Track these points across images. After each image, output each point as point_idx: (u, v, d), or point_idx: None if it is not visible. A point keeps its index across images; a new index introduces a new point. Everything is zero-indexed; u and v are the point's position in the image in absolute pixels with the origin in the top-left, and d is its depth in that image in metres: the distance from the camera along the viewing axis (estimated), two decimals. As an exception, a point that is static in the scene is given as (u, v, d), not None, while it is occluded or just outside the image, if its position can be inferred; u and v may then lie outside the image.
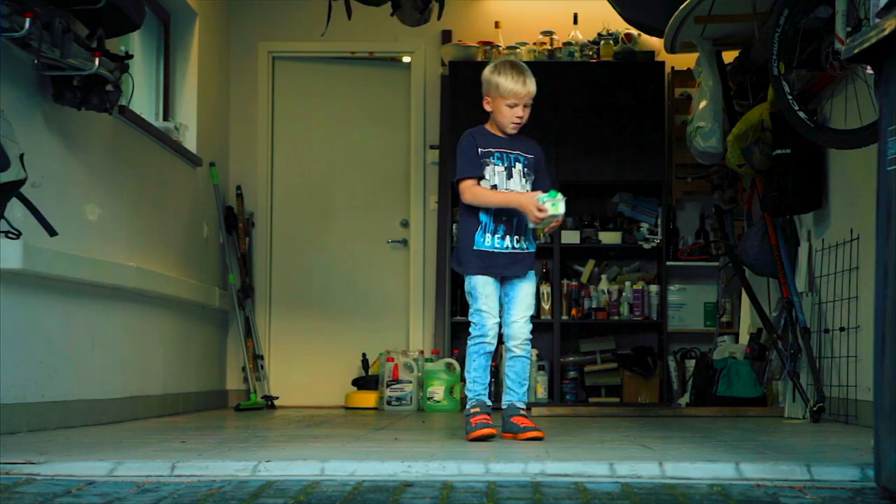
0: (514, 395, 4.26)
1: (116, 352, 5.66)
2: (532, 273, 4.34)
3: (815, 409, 5.42)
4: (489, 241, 4.25)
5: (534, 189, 4.29)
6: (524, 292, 4.30)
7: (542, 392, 7.60)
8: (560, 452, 3.50)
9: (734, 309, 7.62)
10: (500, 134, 4.33)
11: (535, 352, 7.67)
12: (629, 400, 7.55)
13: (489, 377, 4.30)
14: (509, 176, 4.27)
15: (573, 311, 7.72)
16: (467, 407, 4.23)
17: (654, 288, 7.71)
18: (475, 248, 4.24)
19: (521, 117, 4.31)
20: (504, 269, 4.26)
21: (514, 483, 2.91)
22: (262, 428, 5.16)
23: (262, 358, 7.93)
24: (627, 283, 7.75)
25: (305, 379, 8.02)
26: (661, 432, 4.69)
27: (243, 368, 7.84)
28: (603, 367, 7.69)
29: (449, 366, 7.38)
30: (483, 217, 4.25)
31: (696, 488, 2.84)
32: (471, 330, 4.25)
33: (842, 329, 5.39)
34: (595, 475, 3.01)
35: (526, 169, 4.31)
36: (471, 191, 4.24)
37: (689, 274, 7.87)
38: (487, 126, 4.36)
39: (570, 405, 7.38)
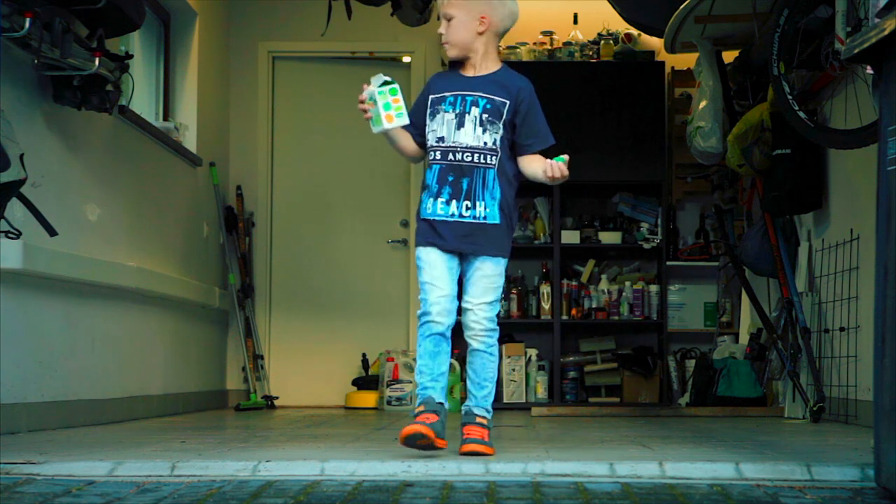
0: (471, 398, 3.53)
1: (116, 352, 5.66)
2: (496, 256, 3.49)
3: (815, 409, 5.42)
4: (431, 206, 3.46)
5: (512, 148, 3.49)
6: (480, 272, 3.46)
7: (542, 392, 7.60)
8: (560, 452, 3.50)
9: (734, 309, 7.62)
10: (468, 73, 3.50)
11: (533, 352, 7.67)
12: (629, 400, 7.55)
13: (442, 367, 3.45)
14: (459, 125, 3.42)
15: (573, 311, 7.72)
16: (414, 404, 3.51)
17: (654, 288, 7.71)
18: (421, 216, 3.50)
19: (441, 35, 3.50)
20: (451, 243, 3.45)
21: (514, 483, 2.91)
22: (262, 428, 5.16)
23: (262, 358, 7.93)
24: (627, 283, 7.75)
25: (305, 379, 8.01)
26: (661, 432, 4.69)
27: (243, 368, 7.84)
28: (603, 367, 7.69)
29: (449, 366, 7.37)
30: (428, 176, 3.50)
31: (696, 488, 2.84)
32: (417, 310, 3.51)
33: (842, 329, 5.39)
34: (595, 475, 3.01)
35: (487, 116, 3.42)
36: None
37: (689, 274, 7.87)
38: (461, 65, 3.54)
39: (570, 405, 7.38)
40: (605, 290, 7.74)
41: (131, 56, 5.42)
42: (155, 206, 6.38)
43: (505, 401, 7.55)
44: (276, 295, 8.13)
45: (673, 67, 7.87)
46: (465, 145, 3.43)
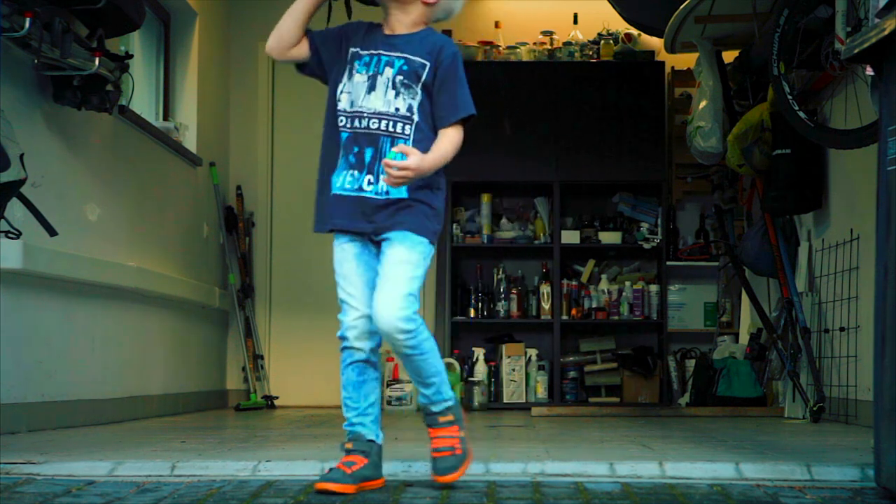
0: (422, 396, 3.00)
1: (116, 352, 5.66)
2: (405, 230, 2.90)
3: (815, 409, 5.42)
4: (339, 179, 2.95)
5: (434, 115, 2.98)
6: (389, 259, 2.89)
7: (542, 392, 7.60)
8: (560, 452, 3.50)
9: (734, 309, 7.62)
10: (391, 31, 3.02)
11: (533, 352, 7.67)
12: (629, 400, 7.55)
13: (370, 397, 2.98)
14: (370, 88, 2.96)
15: (573, 311, 7.72)
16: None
17: (654, 288, 7.72)
18: (331, 193, 2.98)
19: None
20: (347, 219, 2.93)
21: (514, 483, 2.91)
22: (262, 428, 5.16)
23: (262, 358, 7.93)
24: (627, 283, 7.75)
25: (305, 379, 8.01)
26: (661, 432, 4.69)
27: (243, 368, 7.84)
28: (603, 366, 7.69)
29: (449, 366, 7.38)
30: (338, 142, 3.00)
31: (696, 488, 2.84)
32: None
33: (842, 329, 5.39)
34: (595, 475, 3.01)
35: (402, 79, 2.94)
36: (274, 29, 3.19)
37: (689, 274, 7.87)
38: (384, 21, 3.06)
39: (570, 405, 7.38)
40: (605, 290, 7.74)
41: (131, 56, 5.42)
42: (155, 206, 6.38)
43: (505, 401, 7.55)
44: (276, 295, 8.13)
45: (673, 67, 7.87)
46: (372, 111, 2.93)
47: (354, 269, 2.95)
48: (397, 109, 2.94)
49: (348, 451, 2.91)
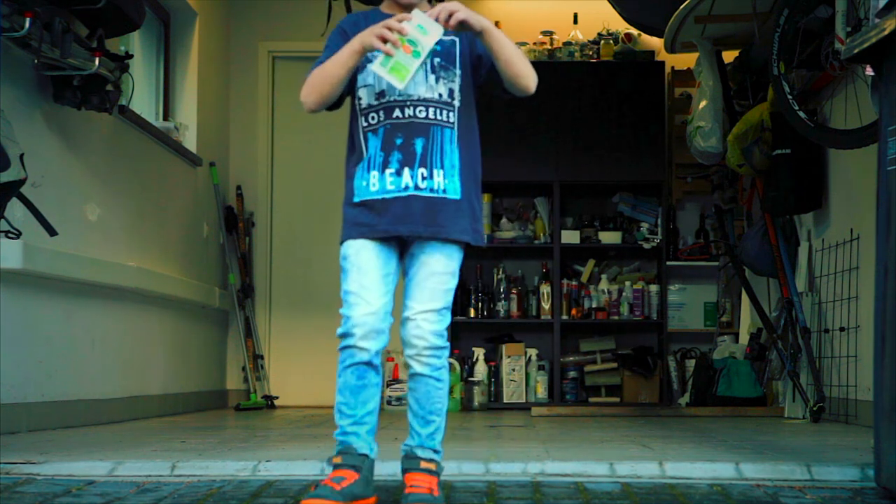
0: (413, 437, 2.74)
1: (116, 352, 5.66)
2: (453, 243, 2.68)
3: (815, 409, 5.42)
4: (376, 182, 2.66)
5: (478, 95, 2.81)
6: (428, 268, 2.66)
7: (542, 392, 7.60)
8: (560, 452, 3.50)
9: (734, 309, 7.62)
10: (397, 11, 2.74)
11: (533, 352, 7.67)
12: (629, 400, 7.55)
13: (368, 405, 2.72)
14: None
15: (573, 311, 7.72)
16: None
17: (654, 288, 7.71)
18: (355, 199, 2.71)
19: None
20: (398, 224, 2.65)
21: (514, 483, 2.91)
22: (262, 428, 5.16)
23: (262, 358, 7.93)
24: (627, 283, 7.75)
25: (305, 379, 8.01)
26: (661, 432, 4.69)
27: (243, 368, 7.84)
28: (603, 366, 7.68)
29: (449, 366, 7.37)
30: (369, 144, 2.70)
31: (696, 488, 2.84)
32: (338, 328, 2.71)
33: (842, 329, 5.39)
34: (595, 475, 3.01)
35: (439, 61, 2.71)
36: (308, 83, 2.71)
37: (689, 274, 7.87)
38: (384, 7, 2.82)
39: (570, 405, 7.38)
40: (605, 290, 7.74)
41: (131, 56, 5.42)
42: (155, 206, 6.38)
43: (505, 401, 7.55)
44: (276, 295, 8.13)
45: (673, 67, 7.87)
46: (417, 97, 2.66)
47: (373, 260, 2.67)
48: (441, 95, 2.69)
49: (336, 466, 2.63)
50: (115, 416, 5.54)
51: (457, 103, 2.71)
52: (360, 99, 2.71)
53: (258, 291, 8.09)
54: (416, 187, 2.63)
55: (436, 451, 2.72)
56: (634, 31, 7.68)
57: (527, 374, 7.61)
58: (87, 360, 5.28)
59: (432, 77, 2.68)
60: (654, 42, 7.63)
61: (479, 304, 7.73)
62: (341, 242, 2.74)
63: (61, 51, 4.52)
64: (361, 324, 2.65)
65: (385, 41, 2.55)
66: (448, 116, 2.69)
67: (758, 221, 6.40)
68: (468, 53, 2.75)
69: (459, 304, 7.72)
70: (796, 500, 2.73)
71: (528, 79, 2.77)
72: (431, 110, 2.67)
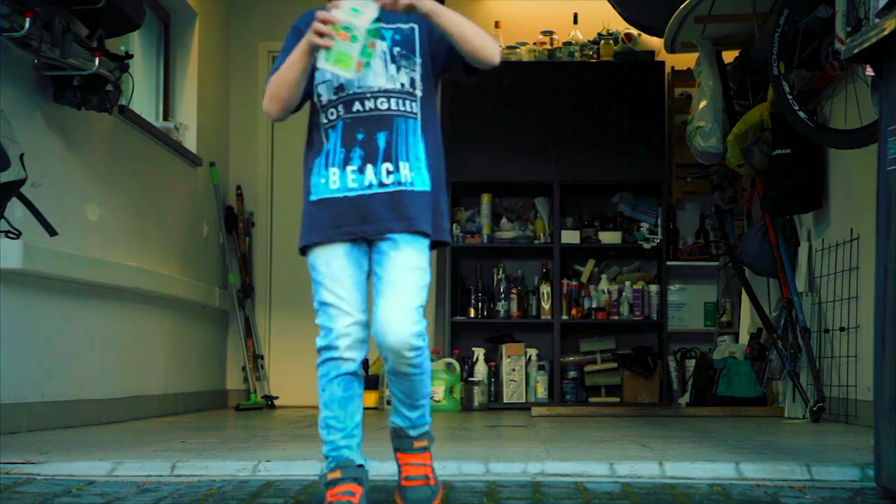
0: (403, 419, 2.66)
1: (116, 352, 5.66)
2: (423, 236, 2.56)
3: (815, 409, 5.42)
4: (336, 180, 2.53)
5: (452, 61, 2.62)
6: (401, 264, 2.52)
7: (542, 392, 7.60)
8: (560, 452, 3.50)
9: (734, 309, 7.62)
10: None
11: (533, 352, 7.67)
12: (629, 400, 7.55)
13: (356, 415, 2.58)
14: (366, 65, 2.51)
15: (573, 311, 7.72)
16: (322, 468, 2.63)
17: (654, 288, 7.72)
18: (312, 198, 2.57)
19: None
20: (364, 224, 2.52)
21: (514, 483, 2.91)
22: (262, 428, 5.16)
23: (262, 358, 7.93)
24: (627, 283, 7.75)
25: (305, 379, 8.00)
26: (661, 432, 4.69)
27: (243, 368, 7.84)
28: (603, 366, 7.68)
29: (449, 366, 7.37)
30: (329, 139, 2.56)
31: (696, 488, 2.84)
32: (316, 340, 2.57)
33: (842, 329, 5.39)
34: (595, 475, 3.01)
35: (399, 50, 2.59)
36: (267, 91, 2.59)
37: (689, 274, 7.87)
38: None
39: (570, 405, 7.38)
40: (605, 290, 7.74)
41: (131, 56, 5.42)
42: (155, 206, 6.38)
43: (505, 401, 7.55)
44: (276, 295, 8.13)
45: (673, 67, 7.87)
46: (377, 89, 2.54)
47: (345, 268, 2.53)
48: (402, 85, 2.56)
49: (338, 481, 2.51)
50: (115, 416, 5.54)
51: (419, 93, 2.58)
52: (319, 96, 2.58)
53: (258, 291, 8.09)
54: (381, 184, 2.51)
55: (426, 424, 2.69)
56: (634, 31, 7.68)
57: (527, 374, 7.61)
58: (87, 360, 5.28)
59: (392, 67, 2.56)
60: (654, 42, 7.63)
61: (479, 304, 7.73)
62: (302, 244, 2.57)
63: (61, 51, 4.52)
64: (345, 335, 2.52)
65: (321, 35, 2.43)
66: (411, 107, 2.57)
67: (758, 221, 6.40)
68: (428, 41, 2.60)
69: (459, 304, 7.72)
70: (796, 500, 2.73)
71: (487, 50, 2.53)
72: (394, 101, 2.55)
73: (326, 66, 2.44)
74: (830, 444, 4.00)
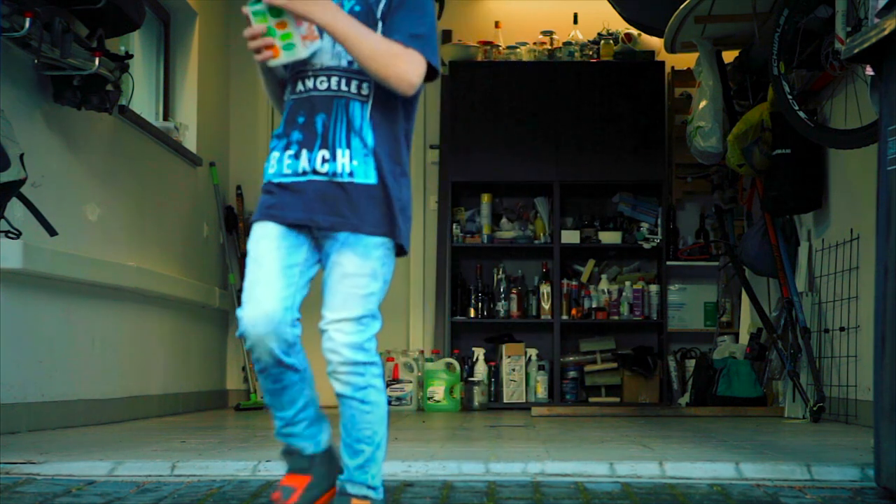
0: (344, 468, 2.37)
1: (116, 352, 5.66)
2: (367, 233, 2.29)
3: (815, 409, 5.42)
4: (275, 164, 2.34)
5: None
6: (341, 269, 2.31)
7: (542, 392, 7.60)
8: (560, 452, 3.50)
9: (734, 309, 7.62)
10: None
11: (534, 352, 7.66)
12: (629, 400, 7.55)
13: (297, 401, 2.41)
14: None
15: (573, 311, 7.72)
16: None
17: (654, 288, 7.72)
18: (264, 179, 2.38)
19: None
20: (297, 210, 2.30)
21: (514, 483, 2.91)
22: (262, 428, 5.16)
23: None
24: (627, 283, 7.75)
25: (305, 379, 8.01)
26: (661, 432, 4.69)
27: (243, 368, 7.84)
28: (603, 366, 7.68)
29: (449, 366, 7.38)
30: (280, 127, 2.38)
31: (696, 488, 2.84)
32: None
33: (842, 329, 5.39)
34: (595, 475, 3.01)
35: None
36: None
37: (689, 274, 7.87)
38: None
39: (570, 405, 7.38)
40: (605, 290, 7.74)
41: (131, 56, 5.42)
42: (155, 207, 6.38)
43: (505, 401, 7.55)
44: (276, 295, 8.12)
45: (673, 67, 7.87)
46: (319, 66, 2.31)
47: (272, 249, 2.31)
48: (350, 63, 2.29)
49: (288, 470, 2.42)
50: (115, 416, 5.54)
51: None
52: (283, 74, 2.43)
53: (258, 291, 8.08)
54: (315, 171, 2.28)
55: (371, 488, 2.32)
56: (634, 31, 7.68)
57: (527, 374, 7.61)
58: (87, 360, 5.28)
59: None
60: (654, 42, 7.62)
61: (479, 304, 7.73)
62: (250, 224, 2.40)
63: (61, 51, 4.52)
64: (252, 326, 2.31)
65: (260, 50, 2.29)
66: (360, 88, 2.30)
67: (758, 221, 6.40)
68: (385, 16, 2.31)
69: (459, 304, 7.73)
70: (796, 500, 2.73)
71: (388, 69, 2.25)
72: (335, 80, 2.30)
73: (284, 61, 2.29)
74: (830, 444, 4.00)
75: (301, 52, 2.27)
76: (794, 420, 5.69)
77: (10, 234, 4.25)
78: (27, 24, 4.22)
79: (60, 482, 2.93)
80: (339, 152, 2.28)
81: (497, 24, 8.04)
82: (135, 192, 6.02)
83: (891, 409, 2.65)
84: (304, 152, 2.30)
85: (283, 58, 2.27)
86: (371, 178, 2.29)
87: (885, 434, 2.69)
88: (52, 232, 4.43)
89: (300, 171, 2.30)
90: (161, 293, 6.26)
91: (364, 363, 2.32)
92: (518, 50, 7.84)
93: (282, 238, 2.33)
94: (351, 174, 2.28)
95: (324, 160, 2.28)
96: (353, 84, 2.31)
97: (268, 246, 2.33)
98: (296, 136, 2.31)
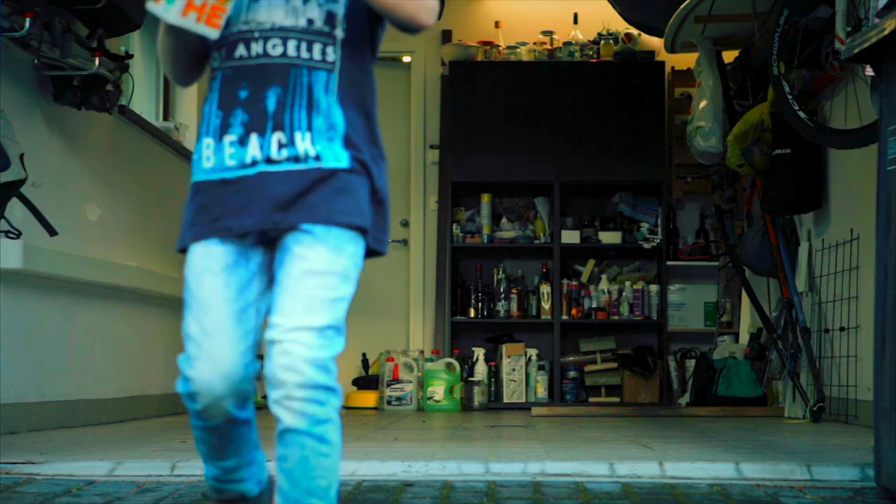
0: None
1: (116, 352, 5.66)
2: (335, 224, 1.82)
3: (815, 409, 5.42)
4: (211, 154, 1.85)
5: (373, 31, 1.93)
6: (304, 265, 1.81)
7: (542, 392, 7.60)
8: (560, 452, 3.50)
9: (734, 309, 7.62)
10: None
11: (533, 352, 7.67)
12: (629, 400, 7.55)
13: (244, 451, 1.98)
14: None
15: (573, 311, 7.72)
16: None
17: (654, 288, 7.71)
18: (192, 180, 1.90)
19: None
20: (243, 215, 1.82)
21: (514, 483, 2.91)
22: (262, 428, 5.15)
23: (261, 358, 7.90)
24: (627, 283, 7.75)
25: (305, 379, 8.01)
26: (661, 432, 4.69)
27: (243, 368, 7.83)
28: (603, 366, 7.69)
29: (449, 366, 7.37)
30: (209, 97, 1.91)
31: (696, 488, 2.84)
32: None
33: (842, 329, 5.39)
34: (595, 475, 3.01)
35: None
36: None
37: (689, 274, 7.87)
38: None
39: (570, 405, 7.38)
40: (605, 290, 7.74)
41: (131, 56, 5.42)
42: (155, 206, 6.38)
43: (505, 401, 7.55)
44: (276, 295, 8.12)
45: (673, 67, 7.87)
46: (270, 26, 1.84)
47: (219, 287, 1.82)
48: (311, 23, 1.84)
49: None
50: (115, 416, 5.54)
51: (339, 34, 1.86)
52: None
53: (258, 291, 8.08)
54: (269, 160, 1.81)
55: None
56: (634, 31, 7.68)
57: (527, 374, 7.61)
58: (87, 360, 5.28)
59: (306, 3, 1.84)
60: (654, 42, 7.62)
61: (479, 304, 7.73)
62: (179, 247, 1.90)
63: (61, 51, 4.52)
64: (207, 388, 1.83)
65: None
66: (324, 53, 1.85)
67: (758, 221, 6.41)
68: None
69: (459, 304, 7.73)
70: (796, 500, 2.73)
71: (413, 8, 1.83)
72: (292, 45, 1.83)
73: (158, 12, 1.85)
74: (830, 444, 4.00)
75: (172, 17, 1.80)
76: (794, 420, 5.69)
77: (10, 234, 4.25)
78: (27, 24, 4.22)
79: (60, 482, 2.93)
80: (297, 135, 1.81)
81: (497, 24, 8.04)
82: (135, 192, 6.02)
83: (891, 409, 2.65)
84: (254, 137, 1.81)
85: (158, 8, 1.82)
86: (343, 162, 1.83)
87: (885, 434, 2.69)
88: (52, 232, 4.43)
89: (248, 161, 1.81)
90: (161, 293, 6.25)
91: (326, 388, 1.77)
92: (518, 50, 7.84)
93: (229, 269, 1.83)
94: (318, 158, 1.81)
95: (280, 145, 1.81)
96: (317, 49, 1.84)
97: (212, 284, 1.82)
98: (239, 116, 1.82)
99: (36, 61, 4.59)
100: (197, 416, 1.90)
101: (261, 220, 1.81)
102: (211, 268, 1.83)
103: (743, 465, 3.03)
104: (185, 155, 6.90)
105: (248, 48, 1.84)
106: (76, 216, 5.18)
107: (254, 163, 1.81)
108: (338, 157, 1.83)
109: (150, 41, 6.92)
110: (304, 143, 1.81)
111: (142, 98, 6.62)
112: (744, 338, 7.05)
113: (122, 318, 5.74)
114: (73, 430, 4.75)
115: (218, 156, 1.84)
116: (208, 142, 1.85)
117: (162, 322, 6.41)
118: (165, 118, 6.95)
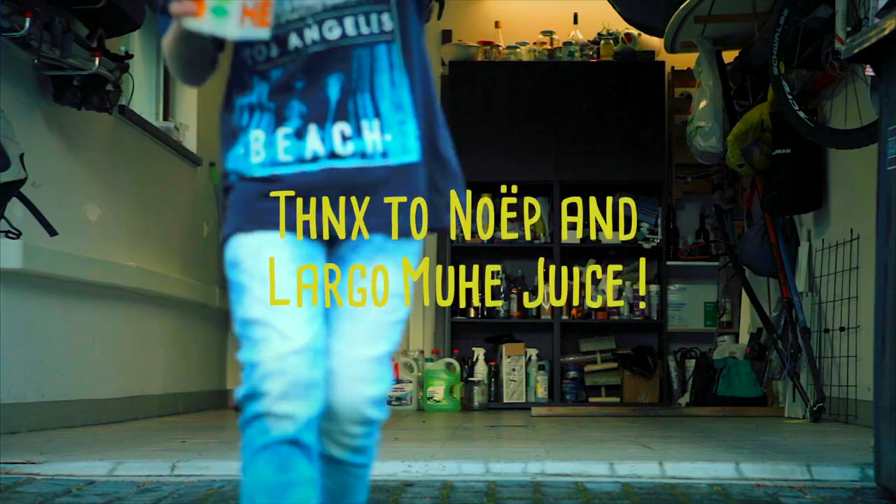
0: None
1: (116, 352, 5.66)
2: (413, 243, 1.73)
3: (815, 409, 5.42)
4: (260, 148, 1.63)
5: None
6: (367, 282, 1.66)
7: (542, 392, 7.60)
8: (560, 452, 3.50)
9: (734, 309, 7.62)
10: None
11: (533, 352, 7.66)
12: (629, 400, 7.55)
13: None
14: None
15: (573, 311, 7.72)
16: None
17: (654, 288, 7.71)
18: (247, 173, 1.64)
19: None
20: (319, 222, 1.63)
21: (514, 483, 2.91)
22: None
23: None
24: (627, 283, 7.75)
25: (305, 379, 8.00)
26: (661, 432, 4.69)
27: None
28: (603, 366, 7.68)
29: (449, 366, 7.37)
30: (254, 86, 1.65)
31: (696, 488, 2.84)
32: (236, 389, 1.76)
33: (842, 329, 5.39)
34: (595, 475, 3.01)
35: None
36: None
37: (689, 274, 7.87)
38: None
39: (570, 405, 7.38)
40: (605, 290, 7.74)
41: (131, 56, 5.42)
42: (155, 206, 6.38)
43: (505, 401, 7.55)
44: (276, 295, 8.12)
45: (673, 67, 7.87)
46: (319, 8, 1.61)
47: (287, 262, 1.61)
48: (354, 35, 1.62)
49: None
50: (115, 416, 5.54)
51: (395, 6, 1.65)
52: (243, 50, 1.68)
53: (258, 291, 8.08)
54: (333, 154, 1.61)
55: None
56: (634, 31, 7.68)
57: (527, 374, 7.61)
58: (87, 360, 5.28)
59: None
60: (654, 42, 7.62)
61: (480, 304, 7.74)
62: (225, 238, 1.65)
63: (61, 51, 4.52)
64: (278, 371, 1.61)
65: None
66: (381, 22, 1.64)
67: (758, 221, 6.41)
68: None
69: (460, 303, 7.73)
70: (796, 500, 2.73)
71: None
72: (349, 22, 1.62)
73: (204, 30, 1.58)
74: (830, 444, 4.00)
75: (232, 30, 1.57)
76: (794, 420, 5.69)
77: (10, 234, 4.25)
78: (27, 24, 4.22)
79: (60, 482, 2.93)
80: (364, 124, 1.61)
81: (497, 24, 8.04)
82: (135, 192, 6.02)
83: (891, 409, 2.65)
84: (313, 129, 1.60)
85: (206, 23, 1.57)
86: (413, 155, 1.64)
87: (885, 434, 2.69)
88: (52, 232, 4.43)
89: (308, 156, 1.61)
90: (161, 293, 6.26)
91: (376, 421, 1.66)
92: (518, 50, 7.84)
93: (294, 247, 1.62)
94: (384, 154, 1.62)
95: (344, 137, 1.61)
96: (374, 20, 1.63)
97: (277, 256, 1.60)
98: (296, 106, 1.61)
99: (36, 61, 4.59)
100: (264, 427, 1.64)
101: (320, 227, 1.62)
102: (272, 241, 1.60)
103: (743, 465, 3.03)
104: (185, 155, 6.90)
105: (301, 37, 1.62)
106: (76, 216, 5.18)
107: (314, 158, 1.61)
108: (407, 149, 1.63)
109: (150, 41, 6.92)
110: (371, 134, 1.62)
111: (142, 98, 6.61)
112: (744, 338, 7.05)
113: (121, 318, 5.74)
114: (73, 431, 4.75)
115: (270, 149, 1.62)
116: (257, 134, 1.62)
117: (162, 322, 6.41)
118: (165, 118, 6.94)
